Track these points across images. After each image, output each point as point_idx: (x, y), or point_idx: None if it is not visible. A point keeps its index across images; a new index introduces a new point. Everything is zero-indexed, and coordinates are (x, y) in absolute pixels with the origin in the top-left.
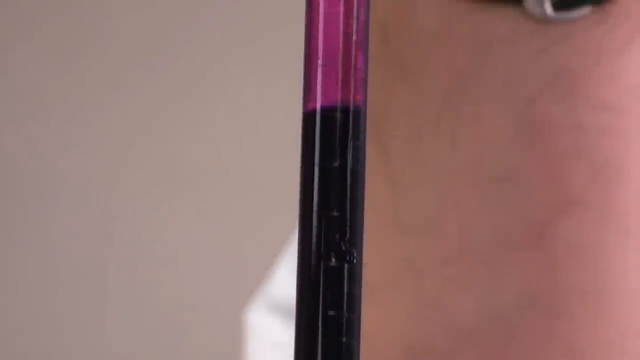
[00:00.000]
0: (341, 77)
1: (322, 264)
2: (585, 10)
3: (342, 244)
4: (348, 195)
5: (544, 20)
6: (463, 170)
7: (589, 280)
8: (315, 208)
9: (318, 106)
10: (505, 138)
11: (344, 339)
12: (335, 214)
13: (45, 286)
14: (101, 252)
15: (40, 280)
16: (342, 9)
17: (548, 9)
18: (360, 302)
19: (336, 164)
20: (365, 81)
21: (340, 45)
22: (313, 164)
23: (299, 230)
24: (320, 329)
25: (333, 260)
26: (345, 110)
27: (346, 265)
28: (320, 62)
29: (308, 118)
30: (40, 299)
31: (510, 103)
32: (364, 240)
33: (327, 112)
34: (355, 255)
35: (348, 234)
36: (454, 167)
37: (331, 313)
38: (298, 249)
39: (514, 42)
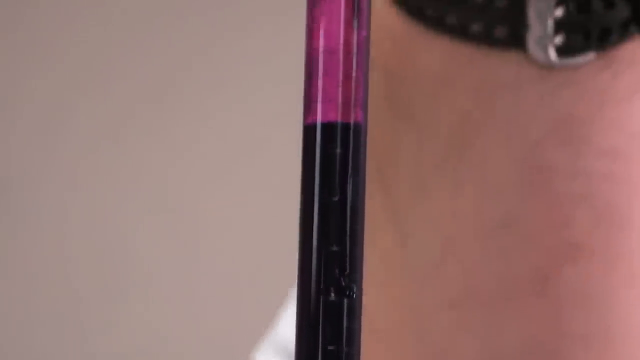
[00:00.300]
0: (341, 93)
1: (321, 299)
2: (589, 56)
3: (341, 278)
4: (348, 230)
5: (548, 65)
6: (467, 216)
7: (593, 327)
8: (315, 243)
9: (318, 134)
10: (509, 183)
11: None
12: (334, 248)
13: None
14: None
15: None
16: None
17: (552, 54)
18: (359, 336)
19: (336, 198)
20: (366, 99)
21: (341, 59)
22: (313, 198)
23: (298, 265)
24: None
25: (332, 295)
26: (345, 130)
27: (346, 300)
28: (320, 74)
29: (309, 132)
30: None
31: (514, 148)
32: (370, 285)
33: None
34: (355, 290)
35: (348, 269)
36: (458, 212)
37: (331, 347)
38: (297, 283)
39: (518, 87)
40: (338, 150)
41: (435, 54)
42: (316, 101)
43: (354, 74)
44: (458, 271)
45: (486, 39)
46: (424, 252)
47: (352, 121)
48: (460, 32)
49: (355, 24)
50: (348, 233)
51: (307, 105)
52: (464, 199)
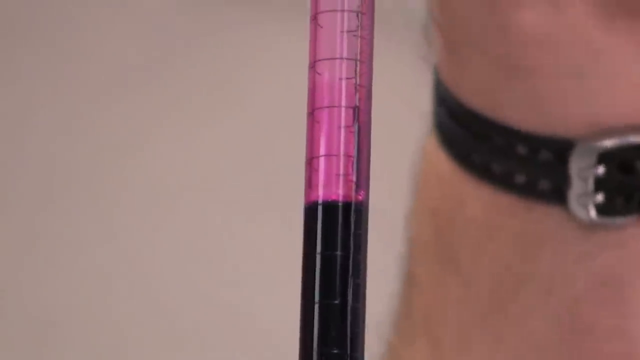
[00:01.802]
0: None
1: None
2: (631, 217)
3: None
4: (348, 334)
5: (589, 223)
6: None
7: None
8: (315, 346)
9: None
10: (548, 341)
11: None
12: (335, 351)
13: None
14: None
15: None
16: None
17: (592, 213)
18: None
19: (337, 301)
20: (368, 178)
21: (342, 139)
22: (313, 300)
23: None
24: None
25: None
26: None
27: None
28: (322, 153)
29: (310, 212)
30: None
31: (554, 304)
32: None
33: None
34: None
35: None
36: None
37: None
38: None
39: (560, 242)
40: (339, 253)
41: (480, 202)
42: (317, 183)
43: (355, 153)
44: None
45: (529, 191)
46: None
47: (353, 200)
48: (505, 182)
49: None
50: (349, 336)
51: (308, 185)
52: (504, 353)
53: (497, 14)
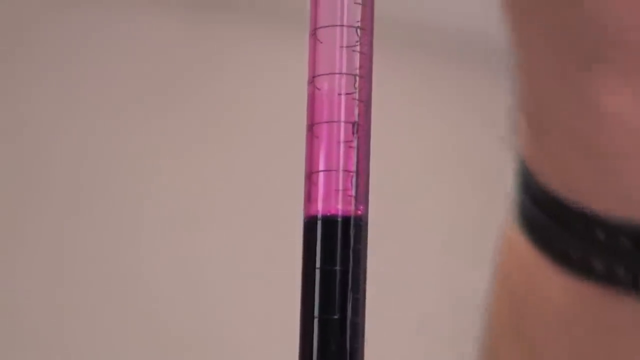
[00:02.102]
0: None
1: None
2: None
3: None
4: (348, 349)
5: None
6: None
7: None
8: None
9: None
10: None
11: None
12: None
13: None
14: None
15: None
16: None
17: None
18: None
19: (336, 316)
20: (367, 192)
21: (341, 154)
22: (313, 315)
23: None
24: None
25: None
26: (346, 224)
27: None
28: (322, 168)
29: (309, 227)
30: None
31: None
32: None
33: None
34: None
35: None
36: None
37: None
38: None
39: (636, 332)
40: (338, 268)
41: (558, 287)
42: (316, 197)
43: (354, 168)
44: None
45: (607, 279)
46: None
47: (352, 215)
48: (583, 269)
49: (355, 134)
50: (348, 351)
51: (307, 199)
52: None
53: (586, 100)
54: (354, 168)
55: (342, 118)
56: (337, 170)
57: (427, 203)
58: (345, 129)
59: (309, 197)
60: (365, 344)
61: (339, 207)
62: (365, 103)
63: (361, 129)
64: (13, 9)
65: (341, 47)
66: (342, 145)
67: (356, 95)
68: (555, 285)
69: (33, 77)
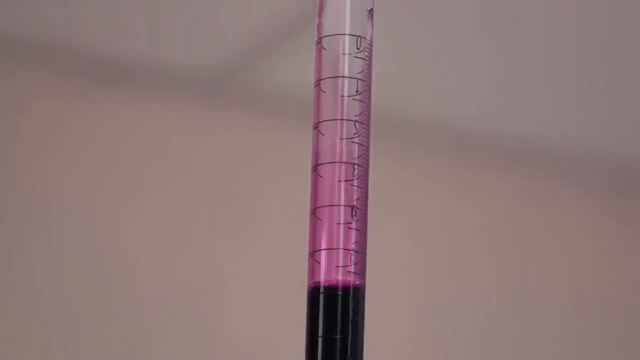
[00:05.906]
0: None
1: None
2: None
3: None
4: None
5: None
6: None
7: None
8: None
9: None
10: None
11: None
12: None
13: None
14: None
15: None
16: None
17: None
18: None
19: None
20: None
21: (342, 235)
22: None
23: None
24: None
25: None
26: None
27: None
28: (323, 247)
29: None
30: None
31: None
32: None
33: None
34: None
35: None
36: None
37: None
38: None
39: None
40: (338, 336)
41: None
42: (319, 274)
43: (353, 246)
44: None
45: None
46: None
47: (351, 288)
48: None
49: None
50: None
51: (310, 276)
52: None
53: None
54: (352, 247)
55: (342, 202)
56: (337, 249)
57: (420, 287)
58: (344, 212)
59: (312, 274)
60: None
61: (339, 281)
62: (363, 189)
63: (360, 212)
64: (15, 93)
65: (341, 138)
66: (342, 226)
67: (355, 182)
68: None
69: (31, 166)
